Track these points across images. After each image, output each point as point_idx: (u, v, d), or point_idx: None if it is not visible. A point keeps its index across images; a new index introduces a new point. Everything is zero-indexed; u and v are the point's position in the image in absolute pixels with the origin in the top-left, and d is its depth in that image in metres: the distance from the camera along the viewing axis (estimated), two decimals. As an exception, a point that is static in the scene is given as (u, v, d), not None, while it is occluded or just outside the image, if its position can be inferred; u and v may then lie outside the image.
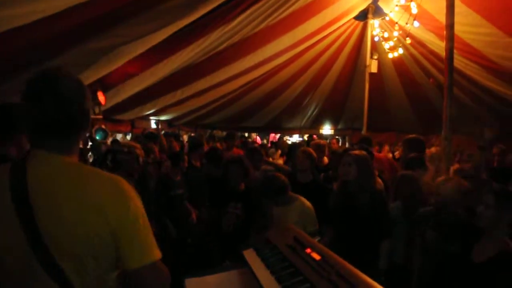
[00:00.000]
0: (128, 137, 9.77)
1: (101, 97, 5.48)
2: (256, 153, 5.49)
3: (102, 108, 5.81)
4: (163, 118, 10.60)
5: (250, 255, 2.40)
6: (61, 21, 3.33)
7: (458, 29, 5.34)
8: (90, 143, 4.10)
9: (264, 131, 16.63)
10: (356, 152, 3.80)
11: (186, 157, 6.24)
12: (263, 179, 3.98)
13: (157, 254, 1.44)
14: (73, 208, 1.34)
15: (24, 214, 1.33)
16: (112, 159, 2.96)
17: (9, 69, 3.65)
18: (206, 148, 6.47)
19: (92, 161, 3.36)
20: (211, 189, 4.59)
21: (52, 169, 1.41)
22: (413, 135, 5.52)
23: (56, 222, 1.33)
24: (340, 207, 3.76)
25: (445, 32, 5.07)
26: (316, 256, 2.03)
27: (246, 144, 8.20)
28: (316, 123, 14.85)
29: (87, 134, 5.52)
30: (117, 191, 1.42)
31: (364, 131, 9.68)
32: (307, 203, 3.84)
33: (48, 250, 1.32)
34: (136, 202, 1.44)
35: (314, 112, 14.10)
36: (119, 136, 9.48)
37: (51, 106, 1.40)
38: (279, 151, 8.28)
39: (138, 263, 1.40)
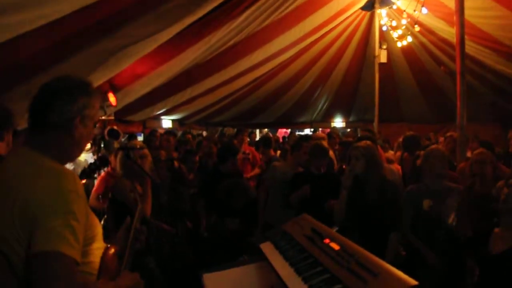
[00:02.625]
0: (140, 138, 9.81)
1: (112, 98, 5.52)
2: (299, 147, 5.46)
3: (113, 110, 5.86)
4: (173, 117, 10.64)
5: (267, 248, 2.39)
6: (68, 24, 3.34)
7: (467, 13, 5.25)
8: (102, 144, 4.14)
9: (275, 127, 16.57)
10: (363, 144, 3.77)
11: (197, 157, 6.29)
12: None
13: (58, 246, 1.36)
14: (6, 198, 1.44)
15: None
16: (126, 156, 2.96)
17: (19, 74, 3.67)
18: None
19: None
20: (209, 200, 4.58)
21: (13, 158, 1.62)
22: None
23: None
24: (350, 200, 3.75)
25: (454, 18, 4.99)
26: (335, 246, 2.00)
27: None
28: (327, 116, 14.76)
29: (99, 136, 5.58)
30: (51, 183, 1.46)
31: (375, 123, 9.60)
32: None
33: None
34: (66, 196, 1.46)
35: (325, 106, 14.02)
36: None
37: (31, 103, 1.62)
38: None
39: (33, 248, 1.37)
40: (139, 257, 3.08)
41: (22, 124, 3.01)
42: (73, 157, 1.76)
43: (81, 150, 1.76)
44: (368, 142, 3.86)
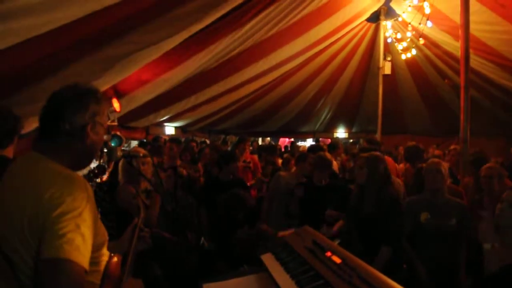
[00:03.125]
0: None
1: (116, 104, 5.53)
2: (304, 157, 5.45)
3: (117, 115, 5.87)
4: (177, 124, 10.65)
5: (268, 259, 2.37)
6: (75, 29, 3.36)
7: (473, 27, 5.27)
8: (105, 149, 4.12)
9: (277, 136, 16.59)
10: (367, 154, 3.76)
11: (199, 165, 6.29)
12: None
13: (68, 253, 1.35)
14: (16, 203, 1.43)
15: None
16: (128, 164, 2.95)
17: (25, 79, 3.69)
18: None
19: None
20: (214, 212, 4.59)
21: (22, 163, 1.58)
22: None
23: (3, 214, 1.43)
24: (352, 210, 3.76)
25: (460, 31, 5.00)
26: (337, 259, 1.99)
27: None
28: (330, 126, 14.78)
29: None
30: (61, 189, 1.43)
31: (378, 134, 9.59)
32: None
33: None
34: (76, 203, 1.43)
35: (328, 116, 14.05)
36: (134, 143, 9.52)
37: (42, 111, 1.62)
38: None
39: (43, 255, 1.35)
40: (144, 264, 3.08)
41: (26, 127, 3.03)
42: (85, 165, 1.75)
43: (92, 157, 1.76)
44: (376, 153, 3.84)
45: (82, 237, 1.40)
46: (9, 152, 2.42)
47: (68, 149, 1.61)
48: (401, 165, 6.89)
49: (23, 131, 2.91)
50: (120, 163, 3.47)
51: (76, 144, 1.62)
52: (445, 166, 3.73)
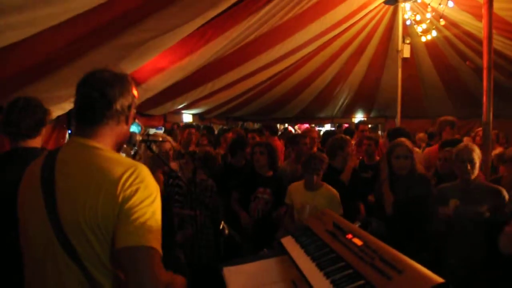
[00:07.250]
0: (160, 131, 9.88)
1: (133, 92, 5.54)
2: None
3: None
4: (194, 111, 10.68)
5: (288, 242, 2.37)
6: (91, 18, 3.37)
7: (496, 6, 5.10)
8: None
9: (295, 122, 16.53)
10: (409, 143, 3.73)
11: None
12: (309, 156, 3.97)
13: (149, 240, 1.37)
14: (86, 190, 1.41)
15: (47, 194, 1.46)
16: (148, 148, 2.97)
17: (42, 69, 3.72)
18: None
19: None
20: (238, 178, 4.61)
21: (76, 150, 1.54)
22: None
23: (70, 202, 1.42)
24: (400, 201, 3.67)
25: (483, 10, 4.86)
26: (358, 242, 1.97)
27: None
28: (348, 112, 14.64)
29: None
30: (133, 176, 1.44)
31: (398, 119, 9.45)
32: (333, 189, 3.85)
33: (62, 228, 1.41)
34: (150, 189, 1.46)
35: (346, 101, 13.88)
36: (152, 131, 9.58)
37: (80, 95, 1.59)
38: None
39: (125, 243, 1.36)
40: (170, 250, 3.12)
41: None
42: (122, 148, 1.77)
43: (127, 139, 1.80)
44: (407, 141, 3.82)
45: (157, 224, 1.42)
46: (37, 143, 2.51)
47: (115, 132, 1.62)
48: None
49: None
50: (142, 149, 3.49)
51: (122, 126, 1.64)
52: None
